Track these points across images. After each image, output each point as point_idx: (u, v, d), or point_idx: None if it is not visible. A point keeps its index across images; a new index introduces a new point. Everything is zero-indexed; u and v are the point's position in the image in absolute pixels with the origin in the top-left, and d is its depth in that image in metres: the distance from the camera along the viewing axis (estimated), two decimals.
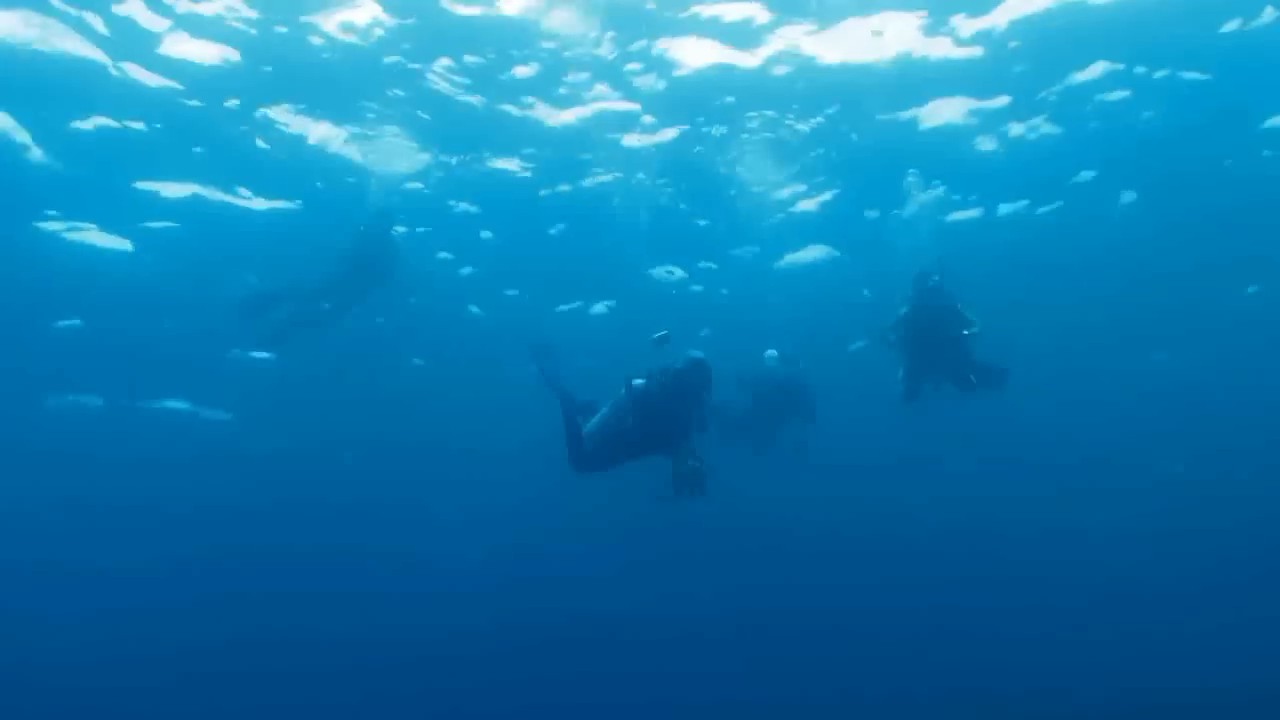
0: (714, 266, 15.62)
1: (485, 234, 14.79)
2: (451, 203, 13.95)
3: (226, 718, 21.49)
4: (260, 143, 12.40)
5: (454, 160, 12.96)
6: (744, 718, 21.58)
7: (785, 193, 13.82)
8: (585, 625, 23.68)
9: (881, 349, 10.35)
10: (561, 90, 11.42)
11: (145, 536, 22.04)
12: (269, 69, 10.97)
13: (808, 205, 13.98)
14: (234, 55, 10.72)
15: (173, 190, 13.15)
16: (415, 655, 23.47)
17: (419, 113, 11.93)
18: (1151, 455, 20.63)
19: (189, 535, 22.10)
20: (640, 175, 13.16)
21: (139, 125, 11.72)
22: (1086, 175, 13.30)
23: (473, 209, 14.10)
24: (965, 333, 9.52)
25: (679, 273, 15.78)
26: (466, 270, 15.69)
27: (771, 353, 12.86)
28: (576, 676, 22.67)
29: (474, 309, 16.78)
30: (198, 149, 12.31)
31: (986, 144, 12.47)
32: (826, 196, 13.79)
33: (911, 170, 12.91)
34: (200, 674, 22.09)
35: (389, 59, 10.96)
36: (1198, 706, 17.89)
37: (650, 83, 11.33)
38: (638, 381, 7.40)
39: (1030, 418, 18.33)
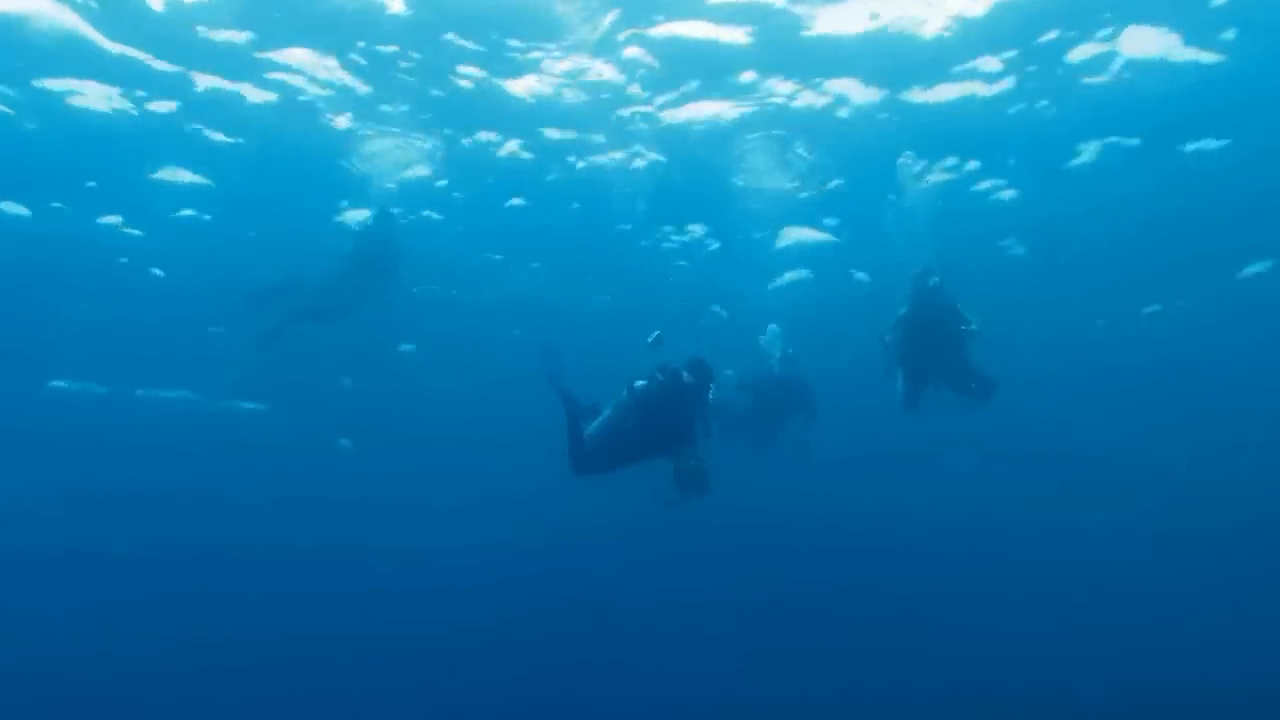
0: (717, 247, 15.57)
1: (486, 220, 14.82)
2: (452, 190, 13.97)
3: (227, 714, 21.53)
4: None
5: (454, 146, 12.94)
6: (744, 715, 21.59)
7: (788, 185, 13.80)
8: (585, 621, 23.68)
9: (879, 350, 10.19)
10: (560, 71, 11.40)
11: (139, 529, 22.01)
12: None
13: (809, 192, 13.96)
14: (241, 37, 10.70)
15: (176, 176, 13.20)
16: (413, 652, 23.50)
17: (420, 98, 11.95)
18: (1153, 452, 20.52)
19: (184, 528, 22.07)
20: (640, 159, 13.15)
21: (137, 109, 11.73)
22: (1090, 154, 13.11)
23: (472, 195, 14.13)
24: (963, 328, 9.39)
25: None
26: (469, 257, 15.75)
27: (773, 328, 12.86)
28: (576, 674, 22.68)
29: (476, 297, 16.77)
30: (203, 133, 12.34)
31: (989, 123, 12.31)
32: (828, 185, 13.76)
33: (907, 152, 12.78)
34: (200, 671, 22.12)
35: (388, 48, 10.95)
36: (1198, 707, 17.86)
37: (650, 63, 11.28)
38: (639, 383, 7.41)
39: (1031, 415, 18.29)
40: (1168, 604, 22.75)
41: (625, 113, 12.16)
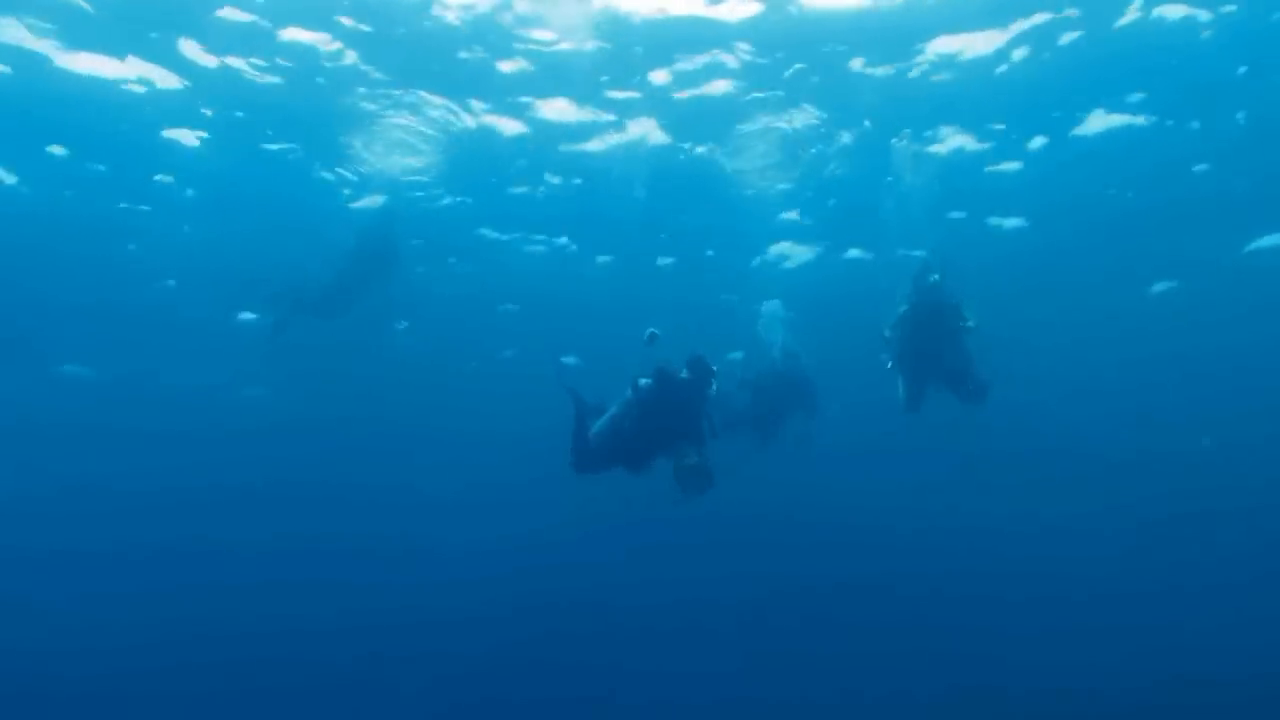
0: (717, 226, 15.40)
1: (486, 207, 14.79)
2: (451, 176, 13.95)
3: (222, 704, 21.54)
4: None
5: (452, 130, 12.92)
6: (744, 709, 21.63)
7: (785, 168, 13.75)
8: (584, 615, 23.70)
9: (881, 346, 10.14)
10: (557, 51, 11.31)
11: (139, 518, 22.01)
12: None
13: (807, 166, 13.79)
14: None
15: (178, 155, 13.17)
16: (411, 643, 23.55)
17: (417, 82, 11.93)
18: (1155, 444, 20.35)
19: (186, 516, 22.07)
20: (641, 145, 13.10)
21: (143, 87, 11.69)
22: (1095, 126, 12.75)
23: (472, 189, 14.15)
24: (960, 324, 9.37)
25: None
26: (468, 244, 15.68)
27: (774, 304, 12.81)
28: (574, 667, 22.71)
29: (477, 284, 16.74)
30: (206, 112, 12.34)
31: (991, 95, 11.92)
32: (827, 167, 13.61)
33: (904, 130, 12.53)
34: (199, 660, 22.15)
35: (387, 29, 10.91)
36: (1199, 704, 17.82)
37: (646, 41, 11.19)
38: (644, 381, 7.47)
39: (1032, 407, 18.24)
40: (1168, 599, 22.74)
41: (621, 95, 12.10)
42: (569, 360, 15.45)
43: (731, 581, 23.10)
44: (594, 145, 13.07)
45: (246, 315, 16.40)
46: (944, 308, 9.41)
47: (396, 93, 12.08)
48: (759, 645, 23.11)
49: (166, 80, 11.58)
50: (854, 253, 15.66)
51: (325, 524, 22.66)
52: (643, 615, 23.74)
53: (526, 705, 21.89)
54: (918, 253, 10.42)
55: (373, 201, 13.99)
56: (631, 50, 11.27)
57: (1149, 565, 23.16)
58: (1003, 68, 11.56)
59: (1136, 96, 12.14)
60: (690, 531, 19.72)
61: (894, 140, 12.66)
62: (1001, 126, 12.74)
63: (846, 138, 12.94)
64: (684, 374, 7.54)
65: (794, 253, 15.62)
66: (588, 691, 22.11)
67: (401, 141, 12.96)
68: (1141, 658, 20.54)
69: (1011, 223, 14.89)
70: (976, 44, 11.17)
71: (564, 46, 11.22)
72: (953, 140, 12.91)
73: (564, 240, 15.67)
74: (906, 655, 21.69)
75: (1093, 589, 23.18)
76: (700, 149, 13.23)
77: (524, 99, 12.20)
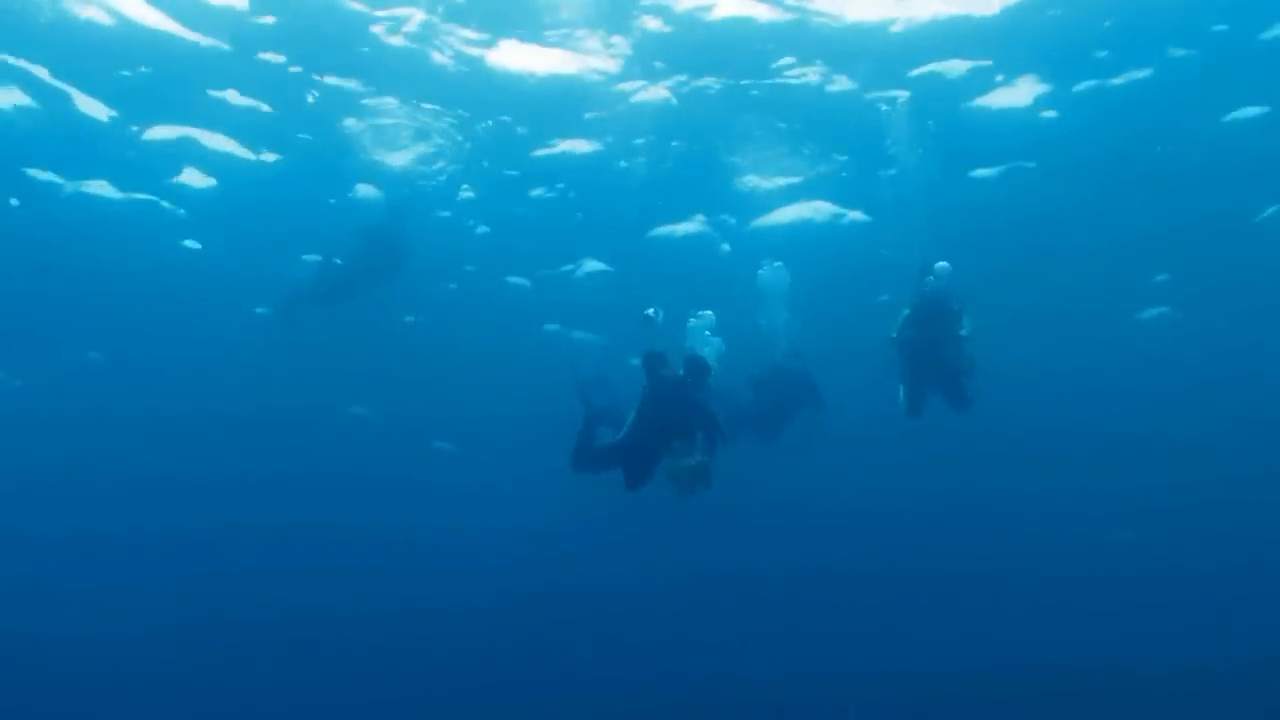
0: (731, 220, 15.28)
1: (488, 203, 14.79)
2: (452, 171, 13.93)
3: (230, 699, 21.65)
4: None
5: (449, 125, 12.91)
6: (746, 700, 21.70)
7: (784, 176, 13.63)
8: (582, 606, 23.82)
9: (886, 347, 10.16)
10: (553, 42, 11.28)
11: (136, 505, 22.08)
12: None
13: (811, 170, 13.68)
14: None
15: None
16: (411, 635, 23.66)
17: (412, 80, 11.95)
18: (1158, 431, 20.14)
19: (182, 506, 22.16)
20: (640, 138, 13.02)
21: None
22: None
23: (475, 179, 14.12)
24: (959, 333, 9.38)
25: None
26: (468, 238, 15.64)
27: (776, 265, 12.83)
28: (575, 658, 22.79)
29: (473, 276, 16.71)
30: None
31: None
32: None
33: (900, 101, 12.29)
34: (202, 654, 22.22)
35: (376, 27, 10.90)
36: (1199, 693, 17.78)
37: (649, 33, 11.10)
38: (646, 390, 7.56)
39: (1035, 397, 18.21)
40: (1171, 588, 22.75)
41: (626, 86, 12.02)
42: (582, 338, 15.18)
43: (731, 572, 23.15)
44: (595, 112, 12.85)
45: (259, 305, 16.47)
46: (945, 312, 9.39)
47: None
48: (760, 635, 23.19)
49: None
50: (856, 215, 15.26)
51: (325, 514, 22.72)
52: (643, 603, 23.85)
53: (526, 693, 22.02)
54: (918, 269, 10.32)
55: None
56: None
57: (1150, 556, 23.15)
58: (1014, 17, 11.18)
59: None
60: (690, 521, 19.74)
61: (887, 109, 12.37)
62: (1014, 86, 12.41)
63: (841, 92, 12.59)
64: (680, 372, 7.60)
65: (795, 215, 15.32)
66: (588, 680, 22.24)
67: (396, 139, 12.94)
68: (1142, 650, 20.57)
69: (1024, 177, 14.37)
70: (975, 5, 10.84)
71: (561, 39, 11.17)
72: (954, 103, 12.55)
73: (563, 232, 15.60)
74: (906, 645, 21.75)
75: (1096, 577, 23.20)
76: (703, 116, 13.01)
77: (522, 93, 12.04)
